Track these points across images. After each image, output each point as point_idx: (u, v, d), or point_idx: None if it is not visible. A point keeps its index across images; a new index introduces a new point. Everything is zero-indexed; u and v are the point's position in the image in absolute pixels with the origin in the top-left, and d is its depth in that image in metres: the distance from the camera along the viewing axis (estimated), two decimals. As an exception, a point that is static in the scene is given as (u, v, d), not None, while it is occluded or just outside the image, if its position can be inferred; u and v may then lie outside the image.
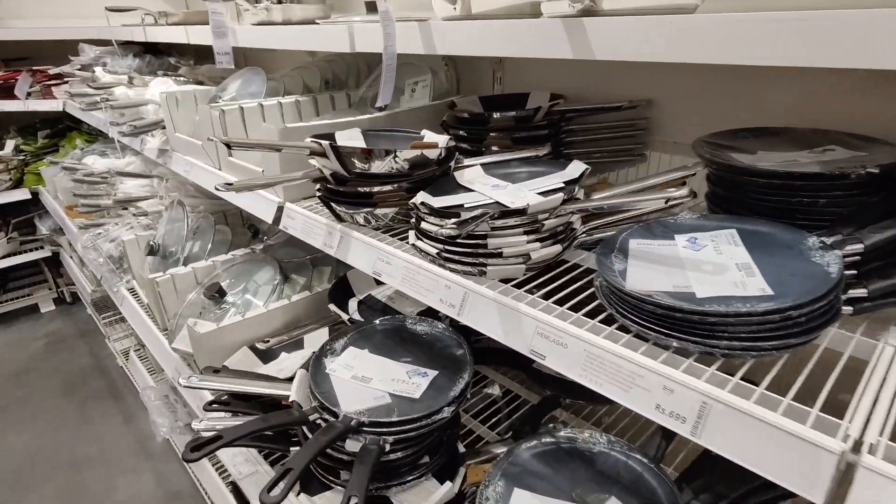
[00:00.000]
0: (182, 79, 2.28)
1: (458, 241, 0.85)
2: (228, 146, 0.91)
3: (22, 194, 3.01)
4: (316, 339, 1.35)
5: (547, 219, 0.84)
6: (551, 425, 1.03)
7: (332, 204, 1.08)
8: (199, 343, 1.25)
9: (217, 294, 1.41)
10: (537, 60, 1.52)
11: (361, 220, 1.06)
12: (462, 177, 1.07)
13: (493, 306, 0.79)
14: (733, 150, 0.95)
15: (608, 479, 0.93)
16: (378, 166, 1.00)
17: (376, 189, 1.02)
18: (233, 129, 1.45)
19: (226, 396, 1.06)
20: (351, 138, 1.21)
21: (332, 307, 1.31)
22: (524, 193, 0.92)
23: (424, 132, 1.23)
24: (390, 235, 1.04)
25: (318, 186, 1.11)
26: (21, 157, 3.01)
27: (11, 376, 2.74)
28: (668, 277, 0.73)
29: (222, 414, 1.04)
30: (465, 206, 0.93)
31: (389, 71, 1.06)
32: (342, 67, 1.84)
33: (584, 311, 0.76)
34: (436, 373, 1.07)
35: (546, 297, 0.79)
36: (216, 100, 1.64)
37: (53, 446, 2.24)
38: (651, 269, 0.76)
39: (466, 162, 1.13)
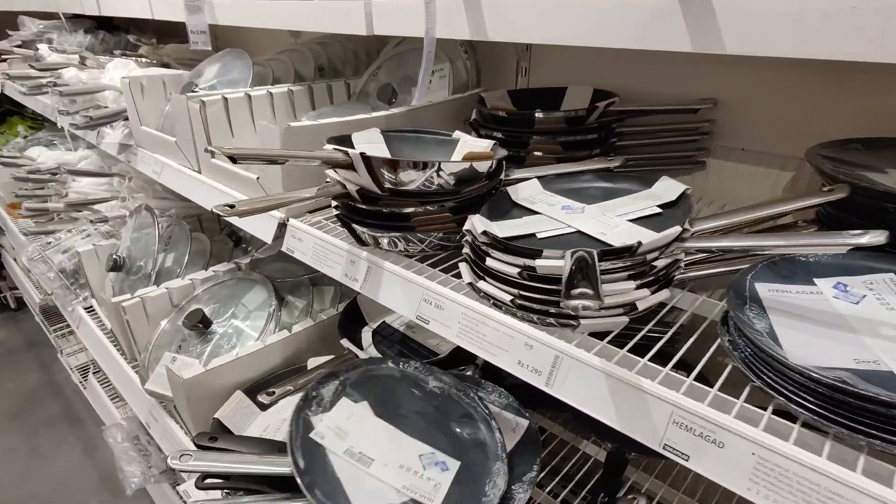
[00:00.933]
0: (144, 60, 1.99)
1: (542, 285, 0.66)
2: (233, 159, 0.68)
3: (-46, 189, 2.64)
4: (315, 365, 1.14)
5: (657, 258, 0.65)
6: (632, 497, 0.86)
7: (354, 225, 0.87)
8: (183, 389, 1.02)
9: (200, 324, 1.17)
10: (572, 49, 1.32)
11: (386, 245, 0.85)
12: (517, 193, 0.87)
13: (601, 379, 0.60)
14: (855, 167, 0.79)
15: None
16: (411, 178, 0.79)
17: (415, 209, 0.82)
18: (215, 124, 1.21)
19: (223, 467, 0.84)
20: (370, 141, 0.99)
21: (347, 344, 1.10)
22: (615, 222, 0.73)
23: (459, 135, 1.03)
24: (427, 264, 0.84)
25: (334, 203, 0.90)
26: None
27: (-53, 397, 2.40)
28: (841, 345, 0.56)
29: (218, 493, 0.83)
30: (538, 235, 0.74)
31: (429, 61, 0.85)
32: (336, 52, 1.60)
33: (719, 383, 0.58)
34: (458, 464, 0.82)
35: (660, 359, 0.61)
36: (191, 88, 1.39)
37: (-1, 483, 1.95)
38: (807, 331, 0.58)
39: (517, 173, 0.93)
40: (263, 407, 1.09)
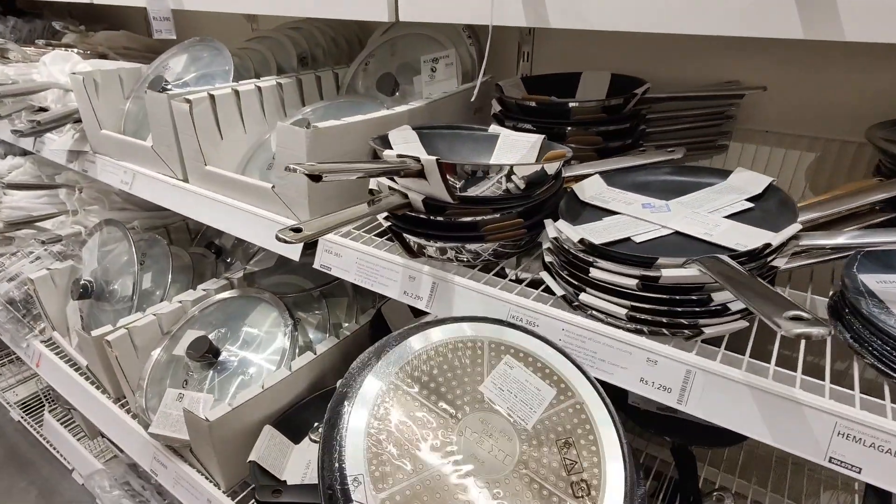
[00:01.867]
0: (77, 51, 1.74)
1: (657, 295, 0.61)
2: (316, 178, 0.57)
3: None
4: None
5: (775, 258, 0.63)
6: (718, 495, 0.84)
7: (411, 237, 0.78)
8: (208, 431, 0.90)
9: (209, 353, 1.03)
10: (582, 33, 1.27)
11: (445, 255, 0.77)
12: (583, 192, 0.82)
13: (745, 392, 0.56)
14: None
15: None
16: (478, 184, 0.72)
17: (485, 217, 0.74)
18: (201, 125, 1.06)
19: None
20: (406, 140, 0.90)
21: (387, 362, 1.01)
22: (713, 220, 0.69)
23: (497, 129, 0.96)
24: (487, 273, 0.77)
25: (385, 214, 0.80)
26: None
27: None
28: (982, 337, 0.55)
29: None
30: (635, 239, 0.69)
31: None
32: (314, 39, 1.46)
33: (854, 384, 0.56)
34: None
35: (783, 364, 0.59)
36: (161, 84, 1.21)
37: (-59, 547, 1.69)
38: (940, 324, 0.58)
39: (579, 169, 0.88)
40: (296, 438, 0.99)
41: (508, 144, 0.92)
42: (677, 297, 0.61)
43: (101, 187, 1.47)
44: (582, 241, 0.66)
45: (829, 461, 0.52)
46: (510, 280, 0.77)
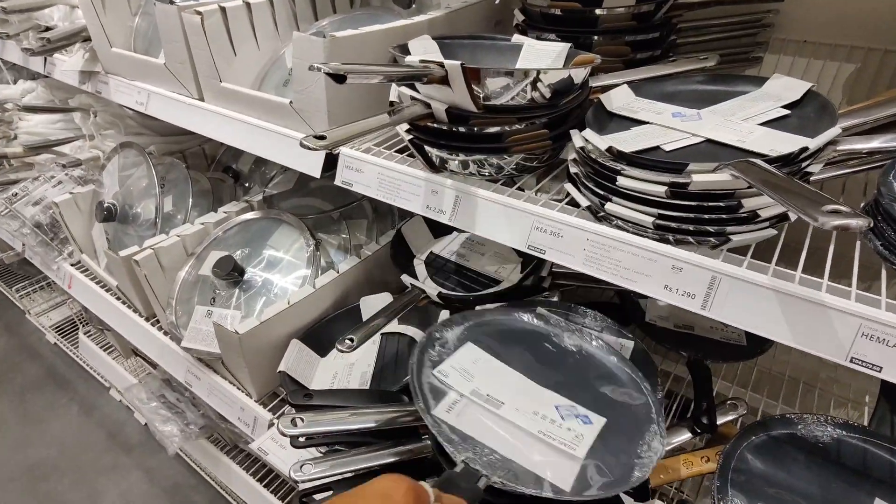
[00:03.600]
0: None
1: (685, 202, 0.60)
2: (340, 77, 0.56)
3: None
4: (370, 305, 1.07)
5: (811, 164, 0.61)
6: (731, 403, 0.87)
7: (432, 149, 0.77)
8: (239, 344, 0.94)
9: (234, 272, 1.06)
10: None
11: (456, 167, 0.76)
12: (610, 102, 0.79)
13: (771, 297, 0.56)
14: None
15: (864, 477, 0.73)
16: (503, 92, 0.70)
17: (510, 128, 0.72)
18: (213, 40, 1.02)
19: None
20: (427, 50, 0.87)
21: (409, 280, 1.02)
22: (747, 127, 0.67)
23: (521, 39, 0.91)
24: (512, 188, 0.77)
25: (406, 127, 0.79)
26: None
27: None
28: None
29: (315, 451, 0.78)
30: (664, 147, 0.67)
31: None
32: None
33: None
34: (603, 420, 0.71)
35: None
36: (169, -3, 1.16)
37: (-3, 455, 1.83)
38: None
39: (606, 80, 0.84)
40: (322, 351, 1.03)
41: (533, 54, 0.89)
42: (706, 205, 0.60)
43: (115, 111, 1.46)
44: (610, 149, 0.64)
45: (851, 361, 0.53)
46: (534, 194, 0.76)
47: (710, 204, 0.60)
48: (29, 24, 1.37)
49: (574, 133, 0.72)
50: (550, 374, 0.78)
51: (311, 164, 0.92)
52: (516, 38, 0.92)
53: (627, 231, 0.66)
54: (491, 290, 1.00)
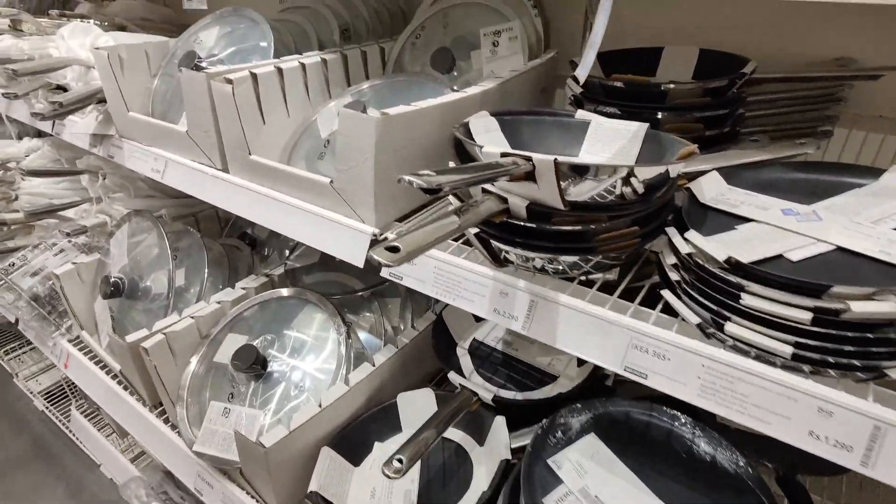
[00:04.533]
0: (95, 23, 1.61)
1: (833, 331, 0.50)
2: (434, 190, 0.46)
3: None
4: (409, 403, 0.95)
5: (980, 286, 0.51)
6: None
7: (503, 245, 0.67)
8: (263, 458, 0.81)
9: (256, 364, 0.94)
10: (652, 1, 1.13)
11: (521, 261, 0.66)
12: (702, 192, 0.70)
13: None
14: None
15: None
16: (590, 186, 0.60)
17: (599, 226, 0.63)
18: (242, 108, 0.94)
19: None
20: (488, 129, 0.78)
21: (457, 379, 0.91)
22: (884, 233, 0.57)
23: (586, 115, 0.83)
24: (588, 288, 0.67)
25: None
26: None
27: None
28: None
29: None
30: (788, 256, 0.57)
31: (604, 21, 0.63)
32: (356, 9, 1.32)
33: None
34: None
35: None
36: (193, 60, 1.09)
37: (-30, 543, 1.65)
38: None
39: (696, 165, 0.76)
40: (356, 459, 0.90)
41: (602, 133, 0.80)
42: (860, 336, 0.49)
43: (125, 173, 1.37)
44: (729, 260, 0.54)
45: None
46: (621, 298, 0.66)
47: (864, 335, 0.50)
48: (40, 83, 1.29)
49: (673, 234, 0.63)
50: (671, 483, 0.67)
51: (354, 252, 0.81)
52: (581, 114, 0.84)
53: (749, 355, 0.55)
54: (553, 394, 0.88)
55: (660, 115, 0.86)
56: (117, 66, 1.11)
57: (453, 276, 0.72)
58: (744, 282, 0.54)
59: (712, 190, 0.70)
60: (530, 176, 0.58)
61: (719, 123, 0.89)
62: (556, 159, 0.55)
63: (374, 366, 0.94)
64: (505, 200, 0.62)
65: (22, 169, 1.21)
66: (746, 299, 0.53)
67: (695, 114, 0.87)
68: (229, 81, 0.91)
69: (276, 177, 0.91)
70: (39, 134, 1.55)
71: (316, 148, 1.01)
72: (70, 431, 1.92)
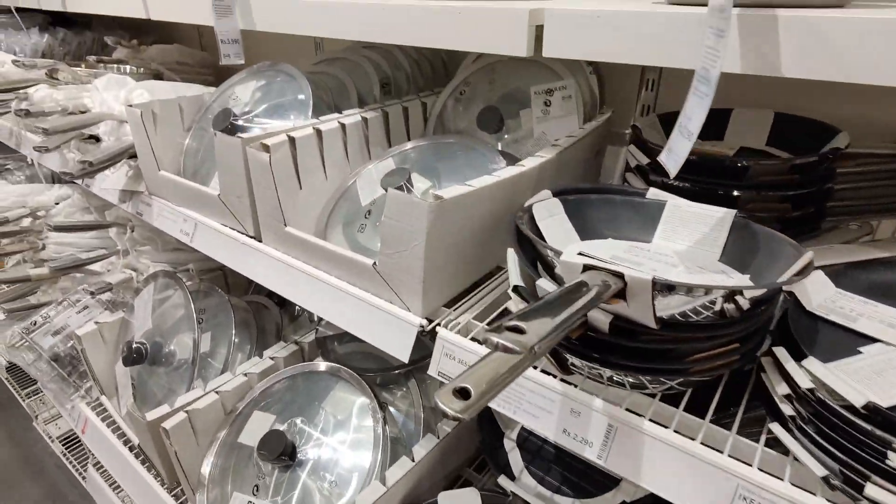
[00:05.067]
0: (130, 69, 1.59)
1: None
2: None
3: None
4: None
5: None
6: None
7: (565, 355, 0.58)
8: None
9: (284, 455, 0.85)
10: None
11: (587, 370, 0.56)
12: (808, 299, 0.60)
13: None
14: None
15: None
16: (685, 300, 0.51)
17: (692, 346, 0.53)
18: (279, 172, 0.88)
19: None
20: (551, 213, 0.70)
21: (508, 485, 0.81)
22: None
23: (660, 194, 0.74)
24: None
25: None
26: None
27: None
28: None
29: None
30: (937, 399, 0.47)
31: (703, 108, 0.55)
32: (394, 62, 1.26)
33: None
34: None
35: None
36: (229, 118, 1.04)
37: None
38: None
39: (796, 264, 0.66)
40: (392, 572, 0.80)
41: (681, 217, 0.71)
42: None
43: (154, 226, 1.31)
44: (868, 406, 0.44)
45: None
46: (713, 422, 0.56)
47: None
48: (72, 133, 1.26)
49: (785, 358, 0.53)
50: None
51: (398, 344, 0.73)
52: (654, 193, 0.75)
53: (895, 523, 0.44)
54: (617, 503, 0.77)
55: (738, 193, 0.76)
56: (150, 123, 1.06)
57: (516, 385, 0.63)
58: (890, 437, 0.43)
59: (819, 294, 0.60)
60: (620, 294, 0.49)
61: (806, 202, 0.79)
62: (654, 280, 0.46)
63: (413, 461, 0.85)
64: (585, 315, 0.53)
65: (49, 224, 1.17)
66: (894, 459, 0.43)
67: (779, 192, 0.77)
68: (266, 148, 0.85)
69: (312, 251, 0.84)
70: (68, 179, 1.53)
71: (354, 214, 0.94)
72: (85, 480, 1.85)
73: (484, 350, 0.66)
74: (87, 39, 1.95)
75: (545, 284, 0.56)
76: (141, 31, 2.11)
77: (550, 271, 0.60)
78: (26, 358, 1.19)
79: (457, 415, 0.40)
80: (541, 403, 0.61)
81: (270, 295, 1.33)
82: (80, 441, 1.98)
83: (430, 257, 0.69)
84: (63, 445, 2.01)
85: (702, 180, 0.79)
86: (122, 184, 1.16)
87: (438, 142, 1.00)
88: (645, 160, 0.85)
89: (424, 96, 1.19)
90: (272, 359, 1.07)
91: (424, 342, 0.74)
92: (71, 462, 1.96)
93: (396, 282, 0.73)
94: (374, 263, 0.75)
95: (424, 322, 0.71)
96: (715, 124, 0.99)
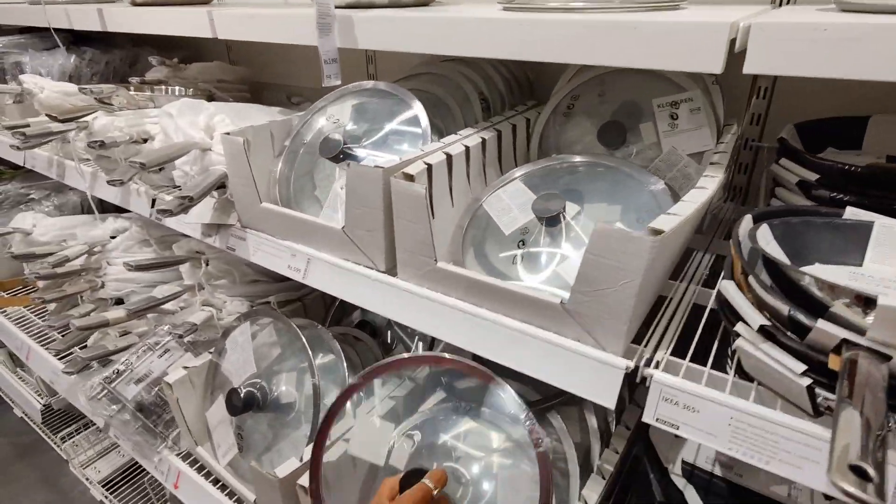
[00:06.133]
0: (178, 91, 1.50)
1: None
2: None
3: None
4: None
5: None
6: None
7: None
8: None
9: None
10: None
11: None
12: None
13: None
14: None
15: None
16: None
17: None
18: (421, 206, 0.81)
19: None
20: (766, 242, 0.65)
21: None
22: None
23: (862, 214, 0.70)
24: None
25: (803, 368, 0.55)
26: None
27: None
28: None
29: None
30: None
31: None
32: (488, 79, 1.20)
33: None
34: None
35: None
36: (338, 145, 0.96)
37: None
38: None
39: None
40: None
41: (893, 239, 0.67)
42: None
43: (230, 258, 1.23)
44: None
45: None
46: None
47: None
48: (129, 155, 1.17)
49: None
50: None
51: (600, 390, 0.67)
52: (853, 213, 0.71)
53: None
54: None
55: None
56: (242, 152, 0.98)
57: (762, 431, 0.58)
58: None
59: None
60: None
61: None
62: None
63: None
64: (886, 357, 0.49)
65: (130, 266, 1.07)
66: None
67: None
68: (410, 178, 0.79)
69: (467, 286, 0.78)
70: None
71: (485, 242, 0.88)
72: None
73: (704, 391, 0.61)
74: (116, 58, 1.84)
75: (818, 324, 0.51)
76: (169, 47, 2.01)
77: (804, 302, 0.55)
78: (107, 410, 1.09)
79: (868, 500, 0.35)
80: (802, 453, 0.56)
81: (362, 326, 1.25)
82: (122, 485, 1.88)
83: (641, 295, 0.63)
84: (106, 489, 1.90)
85: (873, 194, 0.75)
86: (208, 217, 1.07)
87: (541, 168, 0.94)
88: (809, 175, 0.81)
89: (522, 111, 1.13)
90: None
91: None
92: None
93: (591, 321, 0.67)
94: (562, 302, 0.69)
95: (630, 364, 0.66)
96: (850, 134, 0.96)
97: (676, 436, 0.92)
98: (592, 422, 0.94)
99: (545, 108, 1.11)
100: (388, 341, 1.24)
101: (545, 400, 0.97)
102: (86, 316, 1.18)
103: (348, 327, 1.25)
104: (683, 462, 0.88)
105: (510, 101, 1.22)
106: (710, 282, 0.83)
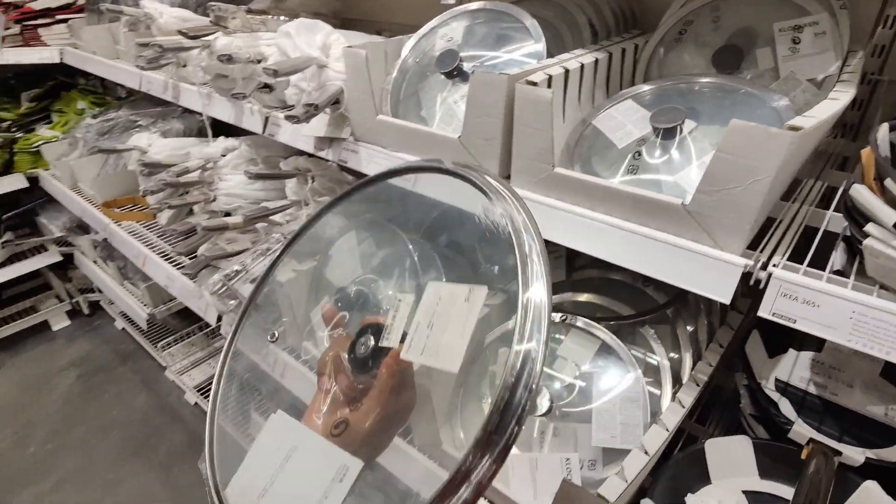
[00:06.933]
0: (275, 17, 1.57)
1: None
2: None
3: (13, 182, 2.20)
4: (720, 461, 0.84)
5: None
6: None
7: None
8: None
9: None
10: None
11: None
12: None
13: None
14: None
15: None
16: None
17: None
18: (546, 114, 0.84)
19: None
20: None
21: (804, 432, 0.79)
22: None
23: None
24: None
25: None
26: (7, 134, 2.16)
27: (50, 434, 2.06)
28: None
29: None
30: None
31: None
32: (594, 5, 1.20)
33: None
34: None
35: None
36: (455, 59, 1.00)
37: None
38: None
39: None
40: None
41: None
42: None
43: (334, 175, 1.31)
44: None
45: None
46: None
47: None
48: (254, 84, 1.25)
49: None
50: None
51: (718, 287, 0.71)
52: None
53: None
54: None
55: None
56: (361, 66, 1.04)
57: (885, 324, 0.60)
58: None
59: None
60: None
61: None
62: None
63: (683, 406, 0.84)
64: None
65: (250, 173, 1.17)
66: None
67: None
68: (533, 84, 0.82)
69: (588, 193, 0.81)
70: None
71: (593, 155, 0.91)
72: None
73: (826, 286, 0.63)
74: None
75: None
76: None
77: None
78: (227, 305, 1.21)
79: None
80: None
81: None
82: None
83: (769, 195, 0.66)
84: (200, 394, 2.09)
85: None
86: (322, 131, 1.14)
87: (668, 84, 0.95)
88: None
89: (630, 38, 1.13)
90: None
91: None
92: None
93: (712, 222, 0.70)
94: (683, 203, 0.72)
95: (749, 262, 0.68)
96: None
97: (770, 355, 0.94)
98: (685, 337, 0.98)
99: (655, 33, 1.11)
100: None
101: (639, 314, 1.00)
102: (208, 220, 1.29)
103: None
104: (777, 380, 0.91)
105: (616, 30, 1.22)
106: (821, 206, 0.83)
